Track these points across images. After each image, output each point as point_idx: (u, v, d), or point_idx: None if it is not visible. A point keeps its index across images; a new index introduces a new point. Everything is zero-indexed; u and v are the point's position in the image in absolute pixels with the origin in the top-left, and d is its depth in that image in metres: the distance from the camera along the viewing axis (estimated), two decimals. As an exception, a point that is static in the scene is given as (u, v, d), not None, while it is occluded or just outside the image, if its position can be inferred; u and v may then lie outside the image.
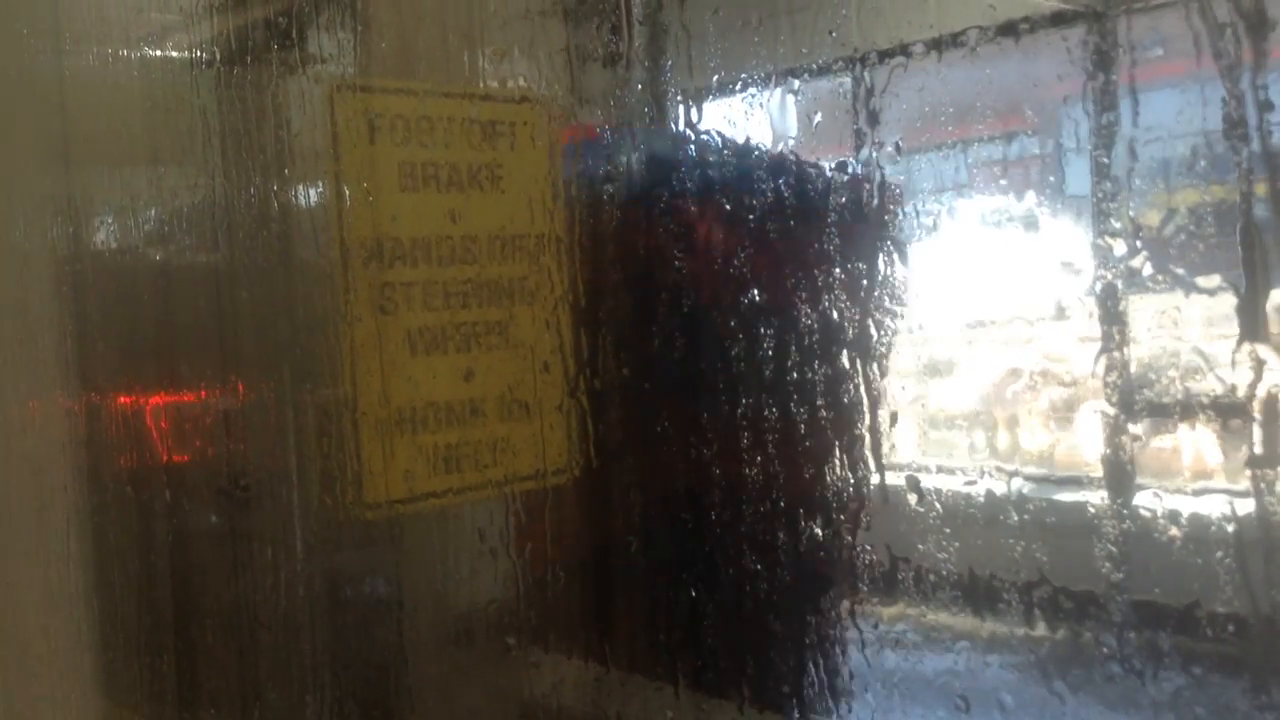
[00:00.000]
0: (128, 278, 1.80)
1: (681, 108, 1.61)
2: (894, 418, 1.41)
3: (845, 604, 1.47)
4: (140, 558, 1.87)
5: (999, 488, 1.28)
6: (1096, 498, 1.26)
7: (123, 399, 1.80)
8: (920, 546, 1.31)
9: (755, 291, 1.60)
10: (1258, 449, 1.12)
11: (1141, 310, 1.23)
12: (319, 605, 1.81)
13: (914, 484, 1.36)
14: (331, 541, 1.79)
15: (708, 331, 1.67)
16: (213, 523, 1.87)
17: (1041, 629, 1.23)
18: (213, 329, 1.83)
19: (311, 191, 1.74)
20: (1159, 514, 1.20)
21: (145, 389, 1.82)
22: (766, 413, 1.60)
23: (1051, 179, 1.32)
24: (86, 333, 1.70)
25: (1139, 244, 1.23)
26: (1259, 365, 1.12)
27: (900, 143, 1.38)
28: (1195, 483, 1.20)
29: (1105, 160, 1.25)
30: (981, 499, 1.28)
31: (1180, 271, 1.20)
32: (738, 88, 1.54)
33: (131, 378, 1.79)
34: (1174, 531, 1.18)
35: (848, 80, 1.40)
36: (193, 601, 1.87)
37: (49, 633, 1.80)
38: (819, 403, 1.54)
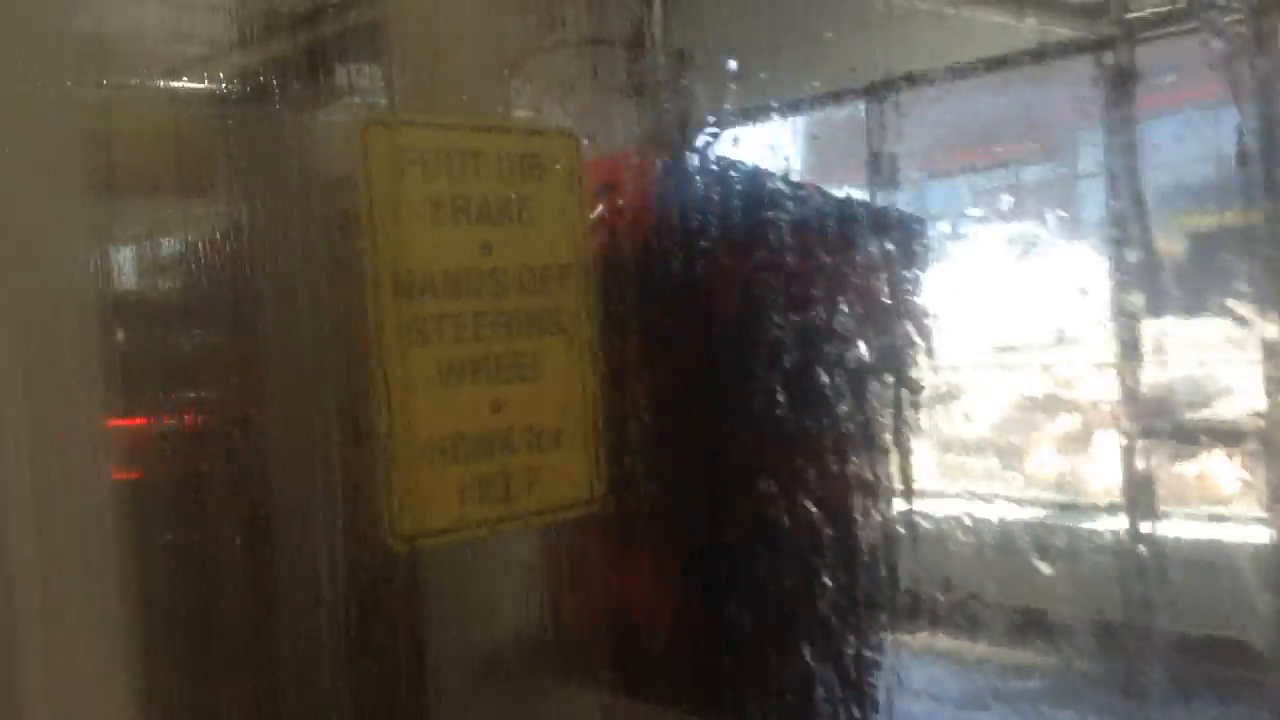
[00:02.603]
0: (163, 307, 1.84)
1: (700, 139, 1.63)
2: (910, 446, 1.41)
3: (868, 630, 1.46)
4: (178, 581, 1.89)
5: (1013, 513, 1.27)
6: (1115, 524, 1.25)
7: (160, 424, 1.83)
8: (926, 572, 1.30)
9: (780, 323, 1.61)
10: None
11: (1160, 335, 1.22)
12: (349, 635, 1.82)
13: (923, 508, 1.35)
14: (362, 573, 1.80)
15: (733, 359, 1.67)
16: (247, 551, 1.89)
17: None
18: (248, 360, 1.86)
19: (344, 225, 1.77)
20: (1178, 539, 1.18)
21: (180, 416, 1.85)
22: (792, 446, 1.60)
23: (1066, 206, 1.32)
24: (126, 360, 1.74)
25: (1155, 270, 1.22)
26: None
27: (915, 171, 1.39)
28: (1215, 508, 1.18)
29: (1119, 186, 1.24)
30: (995, 523, 1.27)
31: (1196, 296, 1.19)
32: (757, 119, 1.56)
33: (166, 406, 1.83)
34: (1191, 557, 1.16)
35: (861, 111, 1.40)
36: (224, 626, 1.89)
37: (92, 652, 1.83)
38: (845, 431, 1.54)
